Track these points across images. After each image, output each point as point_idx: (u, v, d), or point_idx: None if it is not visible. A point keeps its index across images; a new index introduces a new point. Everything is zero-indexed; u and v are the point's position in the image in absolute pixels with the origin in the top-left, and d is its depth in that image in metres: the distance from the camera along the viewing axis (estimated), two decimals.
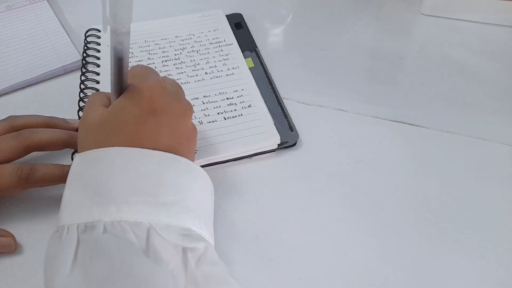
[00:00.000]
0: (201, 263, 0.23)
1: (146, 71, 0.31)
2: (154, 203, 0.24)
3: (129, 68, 0.28)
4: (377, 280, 0.31)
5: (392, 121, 0.42)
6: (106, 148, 0.26)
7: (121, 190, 0.24)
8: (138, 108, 0.28)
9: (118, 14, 0.24)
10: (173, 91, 0.31)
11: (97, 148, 0.26)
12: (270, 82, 0.45)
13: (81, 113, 0.41)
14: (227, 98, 0.42)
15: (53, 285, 0.21)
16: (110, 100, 0.30)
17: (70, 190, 0.25)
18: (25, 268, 0.31)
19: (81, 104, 0.41)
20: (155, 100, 0.28)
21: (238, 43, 0.49)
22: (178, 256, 0.23)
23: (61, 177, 0.33)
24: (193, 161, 0.30)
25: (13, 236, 0.32)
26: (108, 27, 0.25)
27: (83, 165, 0.26)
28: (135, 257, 0.22)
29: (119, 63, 0.27)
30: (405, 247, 0.32)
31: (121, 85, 0.28)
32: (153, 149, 0.27)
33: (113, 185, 0.24)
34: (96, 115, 0.28)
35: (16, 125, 0.35)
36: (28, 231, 0.33)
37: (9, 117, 0.36)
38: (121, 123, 0.27)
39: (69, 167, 0.33)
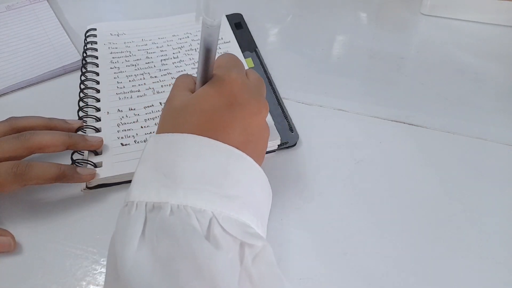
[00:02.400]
0: (257, 261, 0.24)
1: (232, 63, 0.32)
2: (219, 194, 0.25)
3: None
4: (377, 280, 0.31)
5: (392, 121, 0.41)
6: (181, 134, 0.27)
7: (189, 176, 0.25)
8: (218, 99, 0.29)
9: (211, 7, 0.25)
10: (254, 87, 0.31)
11: (174, 130, 0.27)
12: (270, 82, 0.45)
13: (81, 113, 0.41)
14: None
15: (124, 258, 0.22)
16: (195, 84, 0.32)
17: (143, 168, 0.26)
18: (24, 268, 0.31)
19: (81, 104, 0.41)
20: (234, 94, 0.29)
21: (238, 43, 0.49)
22: (236, 249, 0.24)
23: (57, 176, 0.33)
24: (262, 161, 0.31)
25: (12, 236, 0.32)
26: (200, 18, 0.26)
27: (158, 147, 0.27)
28: (198, 241, 0.23)
29: (207, 53, 0.28)
30: (405, 246, 0.32)
31: (206, 75, 0.29)
32: (224, 141, 0.27)
33: (182, 170, 0.25)
34: (181, 99, 0.30)
35: (16, 127, 0.35)
36: (28, 231, 0.33)
37: (9, 118, 0.36)
38: (200, 111, 0.28)
39: (66, 166, 0.34)
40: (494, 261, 0.31)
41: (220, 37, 0.50)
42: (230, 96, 0.29)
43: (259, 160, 0.31)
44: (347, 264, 0.31)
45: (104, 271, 0.31)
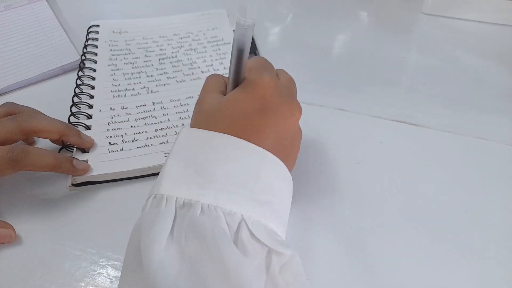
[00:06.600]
0: (285, 270, 0.23)
1: (264, 65, 0.31)
2: (249, 198, 0.25)
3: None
4: (378, 280, 0.30)
5: (393, 120, 0.41)
6: (215, 132, 0.27)
7: (221, 177, 0.25)
8: (250, 104, 0.28)
9: (248, 7, 0.25)
10: (286, 90, 0.31)
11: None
12: None
13: (74, 109, 0.41)
14: None
15: (151, 254, 0.22)
16: (226, 86, 0.31)
17: (174, 162, 0.26)
18: (23, 268, 0.31)
19: (75, 99, 0.41)
20: (266, 99, 0.28)
21: None
22: (263, 256, 0.23)
23: (53, 165, 0.33)
24: (294, 164, 0.31)
25: (12, 227, 0.32)
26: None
27: (191, 142, 0.27)
28: (227, 245, 0.22)
29: (239, 54, 0.28)
30: (405, 247, 0.32)
31: (238, 76, 0.29)
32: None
33: (214, 170, 0.25)
34: (213, 102, 0.29)
35: (13, 112, 0.36)
36: (27, 231, 0.33)
37: (7, 102, 0.37)
38: (232, 116, 0.28)
39: (63, 157, 0.34)
40: (495, 261, 0.31)
41: (220, 38, 0.50)
42: (263, 100, 0.28)
43: (291, 163, 0.30)
44: (348, 264, 0.31)
45: (103, 272, 0.31)
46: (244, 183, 0.25)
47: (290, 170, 0.29)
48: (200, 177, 0.25)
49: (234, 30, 0.27)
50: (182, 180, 0.25)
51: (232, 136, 0.26)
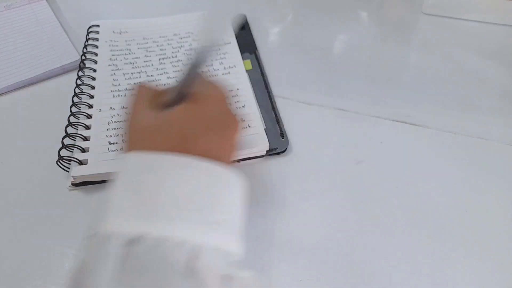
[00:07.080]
0: None
1: (203, 80, 0.31)
2: (202, 221, 0.24)
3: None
4: (378, 280, 0.30)
5: (393, 120, 0.41)
6: (162, 154, 0.25)
7: (171, 204, 0.23)
8: (192, 119, 0.27)
9: (215, 35, 0.27)
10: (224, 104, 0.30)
11: (148, 150, 0.25)
12: (266, 86, 0.44)
13: (74, 109, 0.40)
14: None
15: None
16: (159, 96, 0.29)
17: (118, 192, 0.24)
18: (23, 269, 0.31)
19: (75, 99, 0.41)
20: (207, 113, 0.28)
21: (238, 44, 0.49)
22: (218, 283, 0.22)
23: None
24: (232, 155, 0.29)
25: None
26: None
27: (134, 168, 0.25)
28: (178, 281, 0.21)
29: (195, 68, 0.29)
30: (406, 247, 0.32)
31: (184, 89, 0.29)
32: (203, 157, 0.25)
33: (164, 197, 0.24)
34: (149, 119, 0.27)
35: None
36: (26, 232, 0.33)
37: None
38: (175, 131, 0.26)
39: None
40: (495, 261, 0.31)
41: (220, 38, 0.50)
42: (203, 115, 0.27)
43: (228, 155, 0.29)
44: (348, 265, 0.31)
45: None
46: (195, 207, 0.24)
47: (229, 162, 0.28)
48: (148, 206, 0.23)
49: (198, 46, 0.29)
50: (128, 213, 0.23)
51: (178, 156, 0.25)
